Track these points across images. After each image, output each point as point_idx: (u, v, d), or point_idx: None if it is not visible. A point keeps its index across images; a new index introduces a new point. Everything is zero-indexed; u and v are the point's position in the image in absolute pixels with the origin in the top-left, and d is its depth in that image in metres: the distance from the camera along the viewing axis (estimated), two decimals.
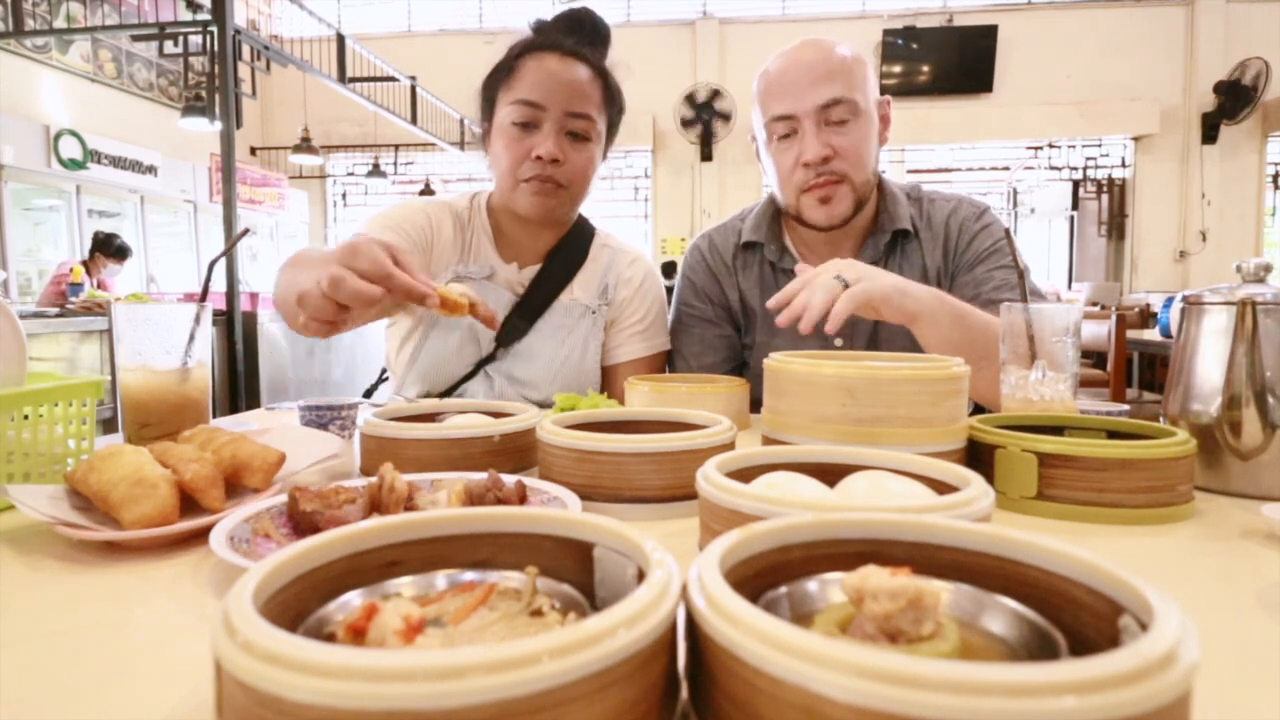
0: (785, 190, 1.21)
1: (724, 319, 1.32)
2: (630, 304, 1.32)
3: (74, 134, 5.88)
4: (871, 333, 1.24)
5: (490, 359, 1.26)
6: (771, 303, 0.94)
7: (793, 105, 1.13)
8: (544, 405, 1.21)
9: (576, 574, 0.38)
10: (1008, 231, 1.11)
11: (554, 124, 1.16)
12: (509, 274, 1.28)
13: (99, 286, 5.21)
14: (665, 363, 1.37)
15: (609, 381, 1.33)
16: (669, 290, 1.37)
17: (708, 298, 1.32)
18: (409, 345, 1.27)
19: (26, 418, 0.67)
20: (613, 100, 1.24)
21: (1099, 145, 7.70)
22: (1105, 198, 7.93)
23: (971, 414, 0.77)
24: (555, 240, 1.30)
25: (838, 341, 1.25)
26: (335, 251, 0.77)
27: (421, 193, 7.53)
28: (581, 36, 1.21)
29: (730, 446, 0.68)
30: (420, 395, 1.28)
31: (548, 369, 1.26)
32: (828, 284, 0.89)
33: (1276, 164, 7.53)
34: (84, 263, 5.21)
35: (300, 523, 0.56)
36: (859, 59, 1.15)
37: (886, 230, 1.23)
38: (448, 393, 1.27)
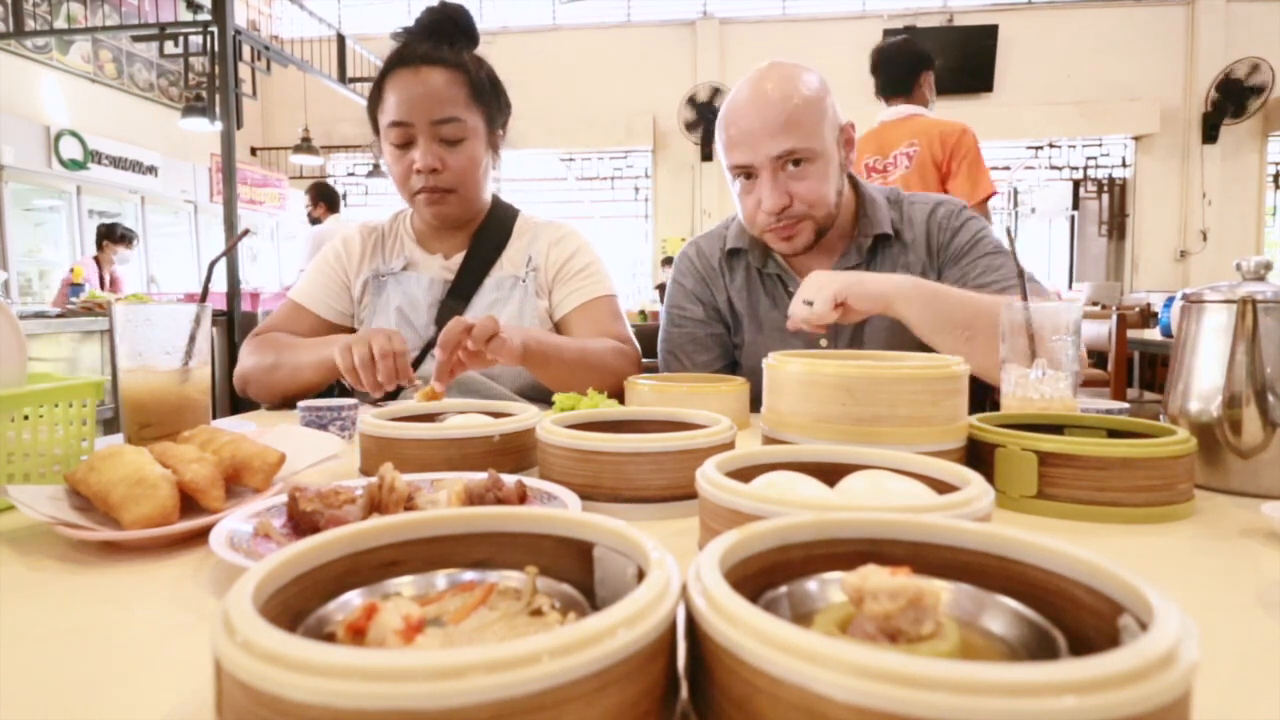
0: (750, 228, 1.26)
1: (714, 319, 1.36)
2: (565, 260, 1.37)
3: (74, 134, 5.89)
4: (854, 332, 1.28)
5: (434, 342, 1.30)
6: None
7: (749, 156, 1.17)
8: (492, 376, 1.29)
9: (576, 574, 0.38)
10: (1008, 230, 1.14)
11: (425, 136, 1.23)
12: (434, 264, 1.36)
13: (111, 283, 5.24)
14: (612, 306, 1.38)
15: (565, 332, 1.36)
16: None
17: (698, 300, 1.36)
18: None
19: (26, 418, 0.67)
20: (482, 92, 1.27)
21: (1099, 145, 7.70)
22: (1106, 197, 7.92)
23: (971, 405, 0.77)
24: (474, 229, 1.37)
25: (822, 341, 1.29)
26: (369, 333, 1.06)
27: None
28: (441, 36, 1.26)
29: (730, 446, 0.68)
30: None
31: None
32: (800, 309, 1.01)
33: (1277, 164, 7.53)
34: (95, 257, 5.25)
35: (300, 523, 0.56)
36: (816, 95, 1.16)
37: (867, 235, 1.26)
38: None
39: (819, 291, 0.99)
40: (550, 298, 1.36)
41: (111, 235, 5.27)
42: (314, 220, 5.48)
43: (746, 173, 1.19)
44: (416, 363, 1.31)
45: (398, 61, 1.25)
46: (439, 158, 1.24)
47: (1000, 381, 0.87)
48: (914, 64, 2.61)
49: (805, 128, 1.14)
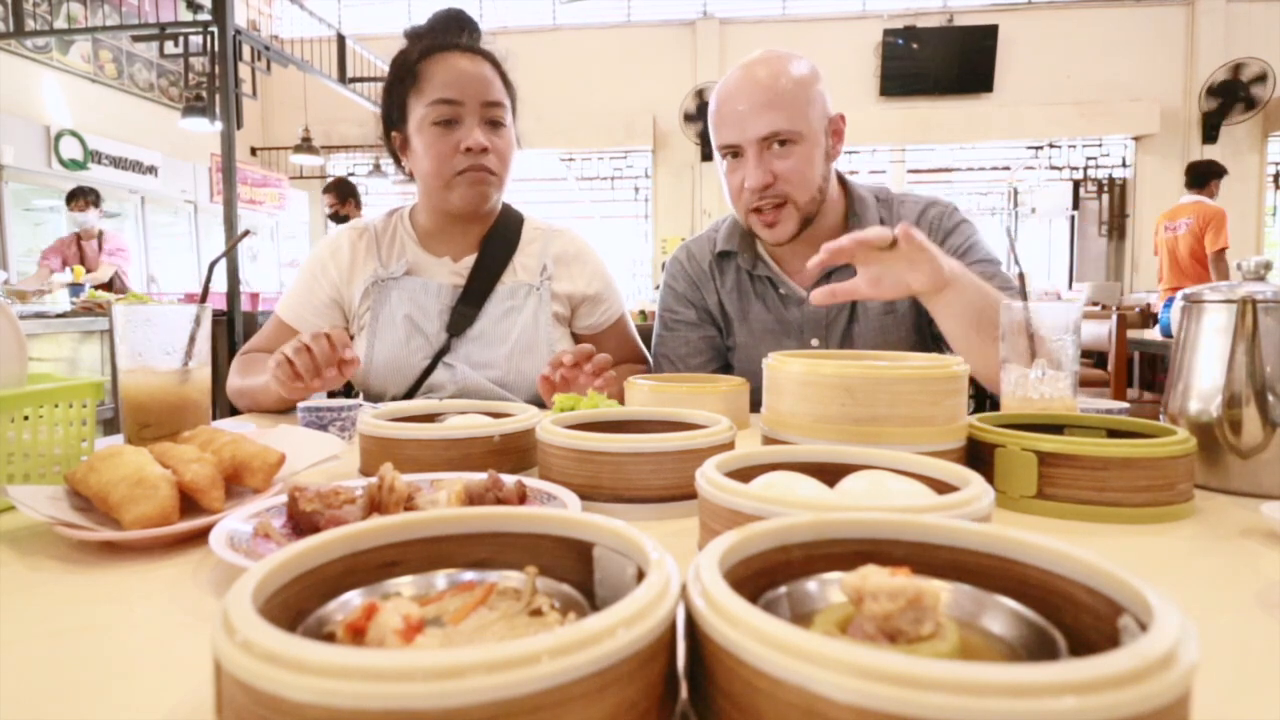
0: (736, 208, 1.27)
1: (706, 321, 1.37)
2: (586, 282, 1.37)
3: (75, 134, 5.88)
4: (845, 329, 1.28)
5: (446, 349, 1.30)
6: (826, 250, 0.93)
7: (737, 135, 1.18)
8: (505, 385, 1.29)
9: (576, 574, 0.38)
10: (1008, 231, 1.13)
11: (474, 116, 1.22)
12: (442, 268, 1.33)
13: (100, 278, 5.12)
14: (627, 326, 1.43)
15: (585, 341, 1.37)
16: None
17: (689, 303, 1.37)
18: (360, 352, 1.31)
19: (26, 418, 0.67)
20: (509, 85, 1.30)
21: (1099, 145, 7.69)
22: (1106, 197, 7.91)
23: (972, 406, 0.77)
24: (484, 230, 1.35)
25: (814, 341, 1.28)
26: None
27: None
28: (465, 33, 1.28)
29: (730, 446, 0.68)
30: (390, 397, 1.31)
31: (503, 348, 1.30)
32: (883, 230, 0.93)
33: (1277, 164, 7.52)
34: (75, 235, 5.11)
35: (300, 523, 0.56)
36: (805, 81, 1.17)
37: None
38: (414, 388, 1.30)
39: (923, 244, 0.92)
40: (574, 317, 1.38)
41: (70, 199, 4.97)
42: (342, 218, 4.88)
43: (734, 152, 1.20)
44: (428, 371, 1.29)
45: (438, 46, 1.24)
46: (488, 139, 1.23)
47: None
48: (1208, 175, 4.98)
49: (791, 109, 1.15)
